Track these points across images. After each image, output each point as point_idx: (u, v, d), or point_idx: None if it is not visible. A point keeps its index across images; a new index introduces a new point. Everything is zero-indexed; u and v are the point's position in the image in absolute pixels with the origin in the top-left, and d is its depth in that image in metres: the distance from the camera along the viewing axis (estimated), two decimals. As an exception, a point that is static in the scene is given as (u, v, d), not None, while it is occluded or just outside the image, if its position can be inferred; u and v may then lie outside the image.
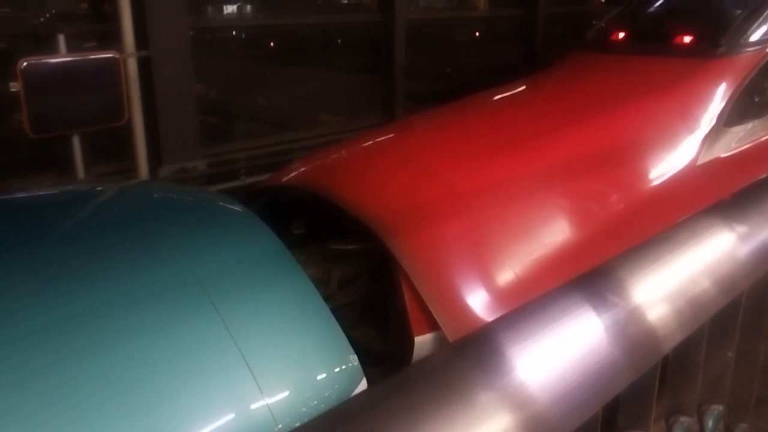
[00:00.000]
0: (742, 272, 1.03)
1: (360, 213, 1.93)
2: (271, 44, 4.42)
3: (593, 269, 0.93)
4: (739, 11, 3.29)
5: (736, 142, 2.81)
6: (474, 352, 0.70)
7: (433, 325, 1.76)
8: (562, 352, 0.74)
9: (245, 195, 2.44)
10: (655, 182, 2.46)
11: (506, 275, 1.88)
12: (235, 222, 1.53)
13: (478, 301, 1.80)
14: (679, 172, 2.54)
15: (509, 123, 2.64)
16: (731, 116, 2.83)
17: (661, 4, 3.87)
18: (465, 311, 1.78)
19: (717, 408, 1.15)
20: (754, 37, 3.08)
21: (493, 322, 0.78)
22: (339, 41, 4.70)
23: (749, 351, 1.16)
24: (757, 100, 2.97)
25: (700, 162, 2.63)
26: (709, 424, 1.14)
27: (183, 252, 1.31)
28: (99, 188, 1.75)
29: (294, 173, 2.32)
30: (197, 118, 3.47)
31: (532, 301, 0.82)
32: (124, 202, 1.60)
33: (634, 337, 0.86)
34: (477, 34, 5.77)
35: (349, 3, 5.01)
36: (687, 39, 3.15)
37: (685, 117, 2.75)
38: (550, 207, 2.13)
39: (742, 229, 1.07)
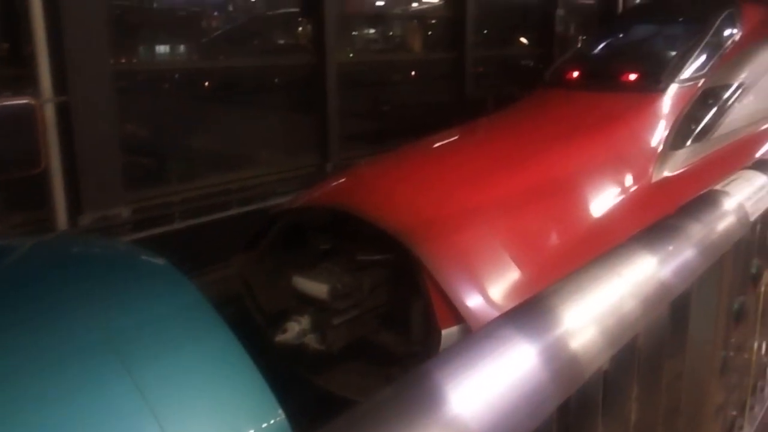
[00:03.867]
0: (663, 291, 1.06)
1: (388, 227, 2.25)
2: (206, 83, 4.34)
3: (527, 300, 0.95)
4: (674, 52, 3.84)
5: (681, 162, 3.33)
6: (412, 391, 0.70)
7: (457, 319, 2.10)
8: (494, 382, 0.75)
9: (265, 219, 2.69)
10: (618, 198, 2.96)
11: (515, 273, 2.29)
12: (152, 276, 1.45)
13: (495, 295, 2.18)
14: (637, 189, 3.04)
15: (498, 149, 3.17)
16: (675, 141, 3.37)
17: (605, 47, 4.43)
18: (485, 304, 2.14)
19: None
20: (687, 74, 3.65)
21: (429, 360, 0.79)
22: (276, 81, 4.68)
23: (649, 401, 1.18)
24: (694, 126, 3.50)
25: (654, 180, 3.14)
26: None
27: (94, 311, 1.21)
28: (2, 245, 1.63)
29: (319, 195, 2.67)
30: (120, 164, 3.32)
31: (468, 337, 0.85)
32: (30, 259, 1.49)
33: (563, 361, 0.86)
34: (413, 74, 5.92)
35: (286, 44, 5.01)
36: (632, 77, 3.72)
37: (639, 143, 3.31)
38: (541, 218, 2.62)
39: (661, 253, 1.14)
